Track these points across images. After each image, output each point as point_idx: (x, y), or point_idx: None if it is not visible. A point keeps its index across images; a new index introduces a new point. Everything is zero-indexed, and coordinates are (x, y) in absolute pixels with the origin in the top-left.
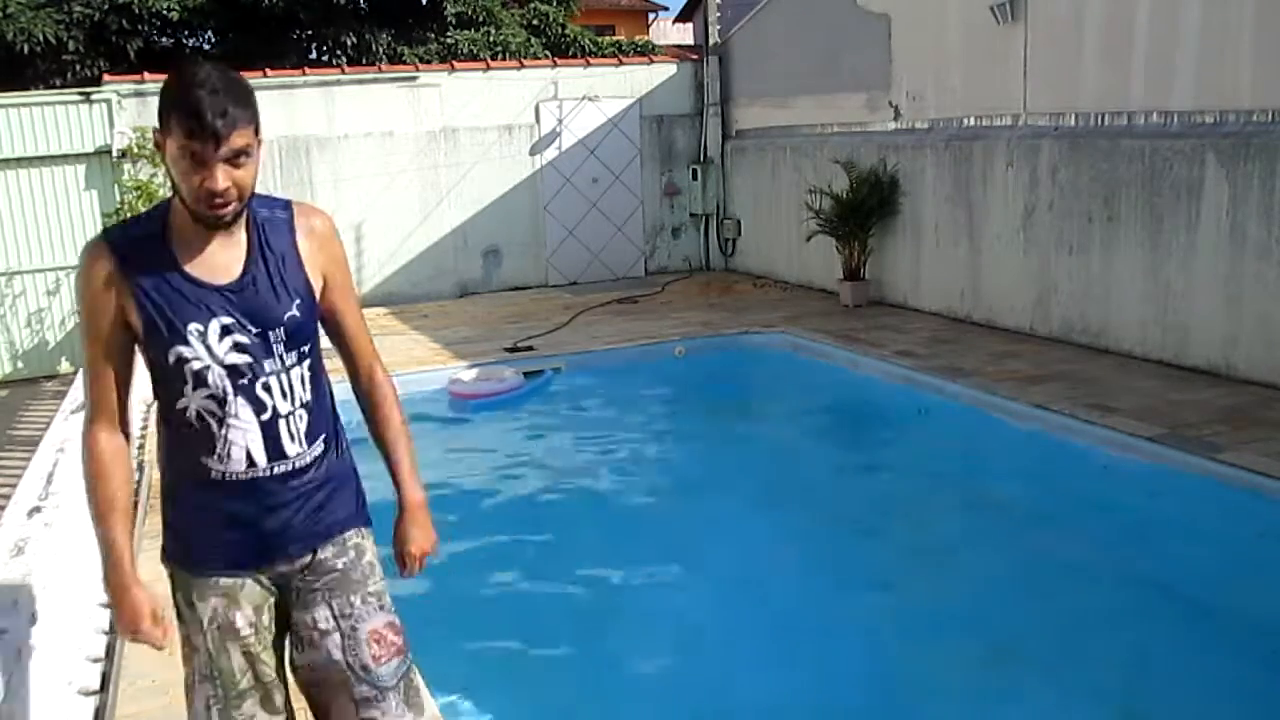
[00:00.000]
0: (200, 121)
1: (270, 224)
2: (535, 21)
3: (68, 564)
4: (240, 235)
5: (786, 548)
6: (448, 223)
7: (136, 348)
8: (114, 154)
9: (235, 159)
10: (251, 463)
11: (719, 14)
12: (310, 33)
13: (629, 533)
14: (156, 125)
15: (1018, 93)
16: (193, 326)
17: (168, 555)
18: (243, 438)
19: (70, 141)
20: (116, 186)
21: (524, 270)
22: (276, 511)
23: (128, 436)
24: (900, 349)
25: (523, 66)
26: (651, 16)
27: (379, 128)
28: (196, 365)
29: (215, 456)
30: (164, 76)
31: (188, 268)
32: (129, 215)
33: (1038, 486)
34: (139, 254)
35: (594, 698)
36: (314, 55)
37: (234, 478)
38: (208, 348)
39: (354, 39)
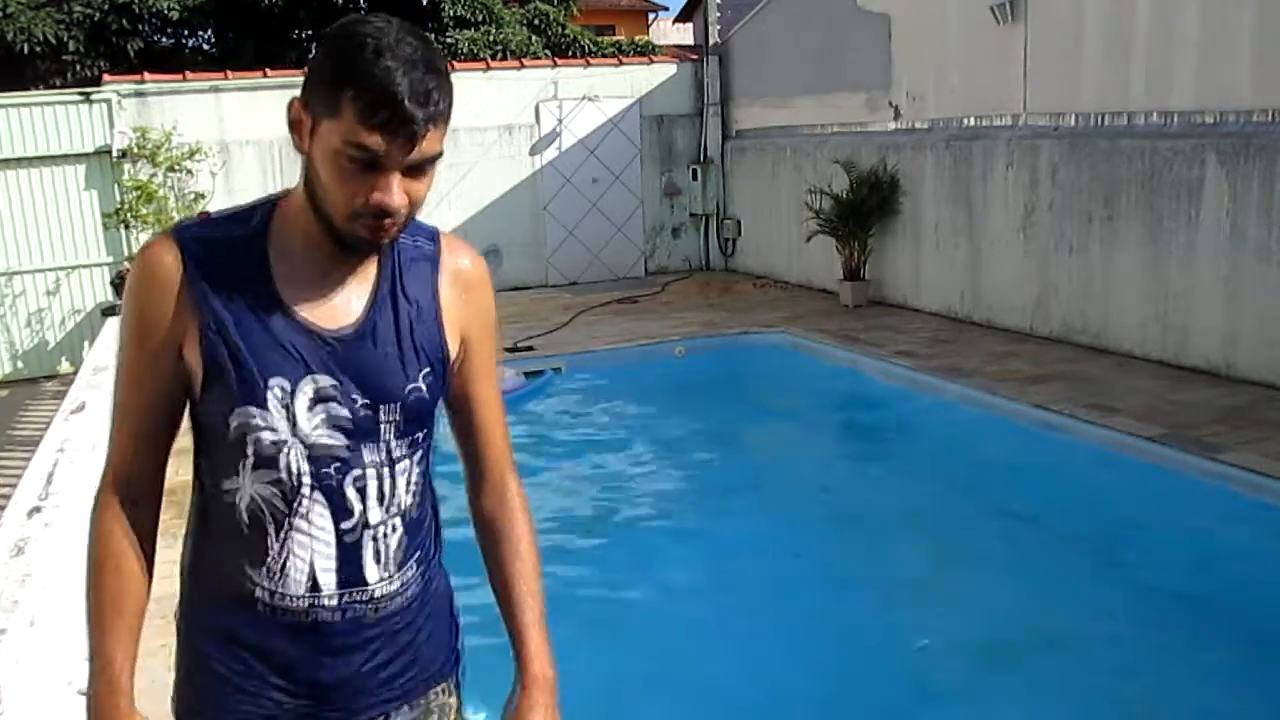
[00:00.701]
0: (396, 108)
1: (408, 258)
2: (535, 21)
3: (68, 564)
4: (369, 268)
5: (786, 547)
6: (447, 223)
7: (185, 401)
8: (114, 154)
9: (420, 168)
10: (315, 587)
11: (719, 14)
12: (310, 32)
13: (629, 533)
14: (301, 96)
15: (1018, 93)
16: (276, 383)
17: (176, 712)
18: (308, 551)
19: (70, 141)
20: (116, 186)
21: (524, 270)
22: (340, 659)
23: (155, 517)
24: (900, 349)
25: (523, 66)
26: (651, 16)
27: None
28: (268, 439)
29: (264, 570)
30: (164, 77)
31: (287, 298)
32: (129, 249)
33: (1038, 486)
34: (224, 263)
35: (598, 698)
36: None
37: (287, 605)
38: (291, 417)
39: None
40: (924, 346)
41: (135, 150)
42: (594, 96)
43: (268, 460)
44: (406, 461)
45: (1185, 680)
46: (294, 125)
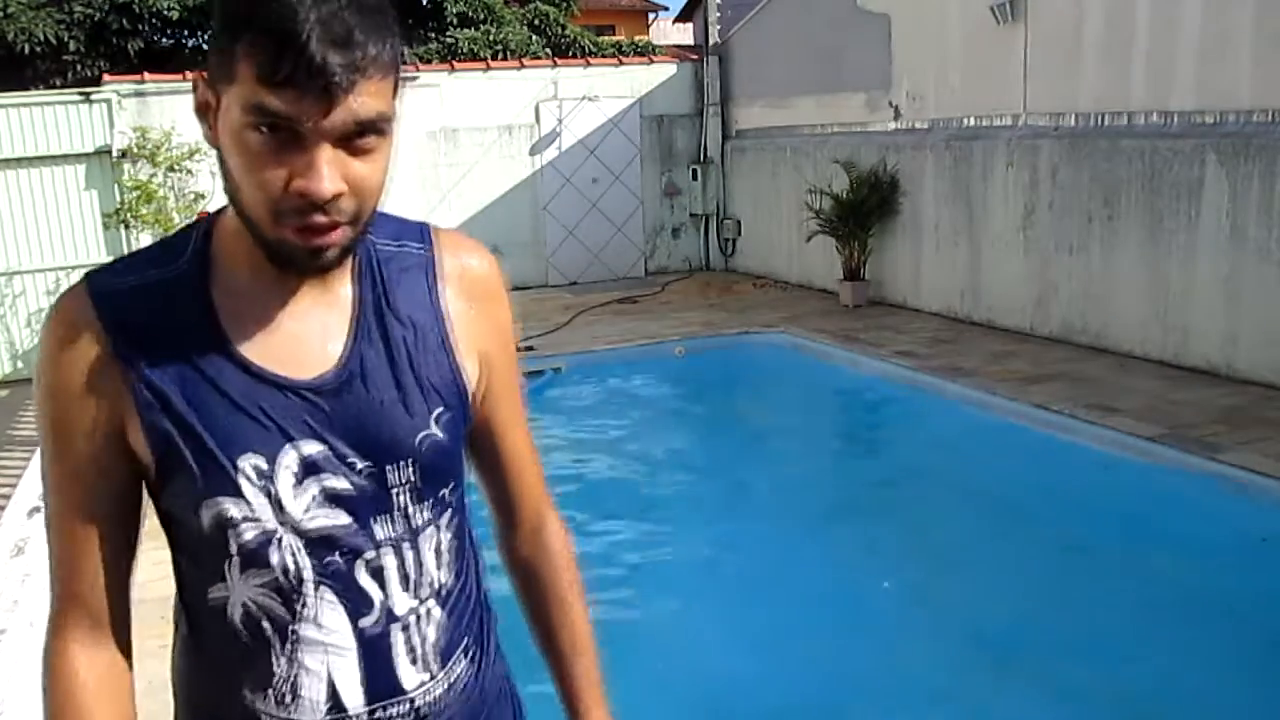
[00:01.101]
0: (300, 52)
1: (394, 267)
2: (536, 21)
3: None
4: (342, 287)
5: (786, 546)
6: (448, 223)
7: (143, 489)
8: (114, 154)
9: (357, 138)
10: (337, 706)
11: (719, 14)
12: None
13: (630, 534)
14: (205, 71)
15: (1018, 93)
16: (248, 462)
17: None
18: (323, 663)
19: (70, 141)
20: (116, 186)
21: (524, 270)
22: None
23: (128, 647)
24: (900, 349)
25: (523, 66)
26: (651, 16)
27: None
28: (250, 534)
29: (270, 695)
30: (164, 77)
31: (242, 347)
32: (129, 249)
33: (1037, 486)
34: (154, 317)
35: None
36: None
37: None
38: (275, 501)
39: None
40: (924, 346)
41: (135, 150)
42: (594, 96)
43: (256, 557)
44: (433, 529)
45: (1184, 680)
46: (201, 111)
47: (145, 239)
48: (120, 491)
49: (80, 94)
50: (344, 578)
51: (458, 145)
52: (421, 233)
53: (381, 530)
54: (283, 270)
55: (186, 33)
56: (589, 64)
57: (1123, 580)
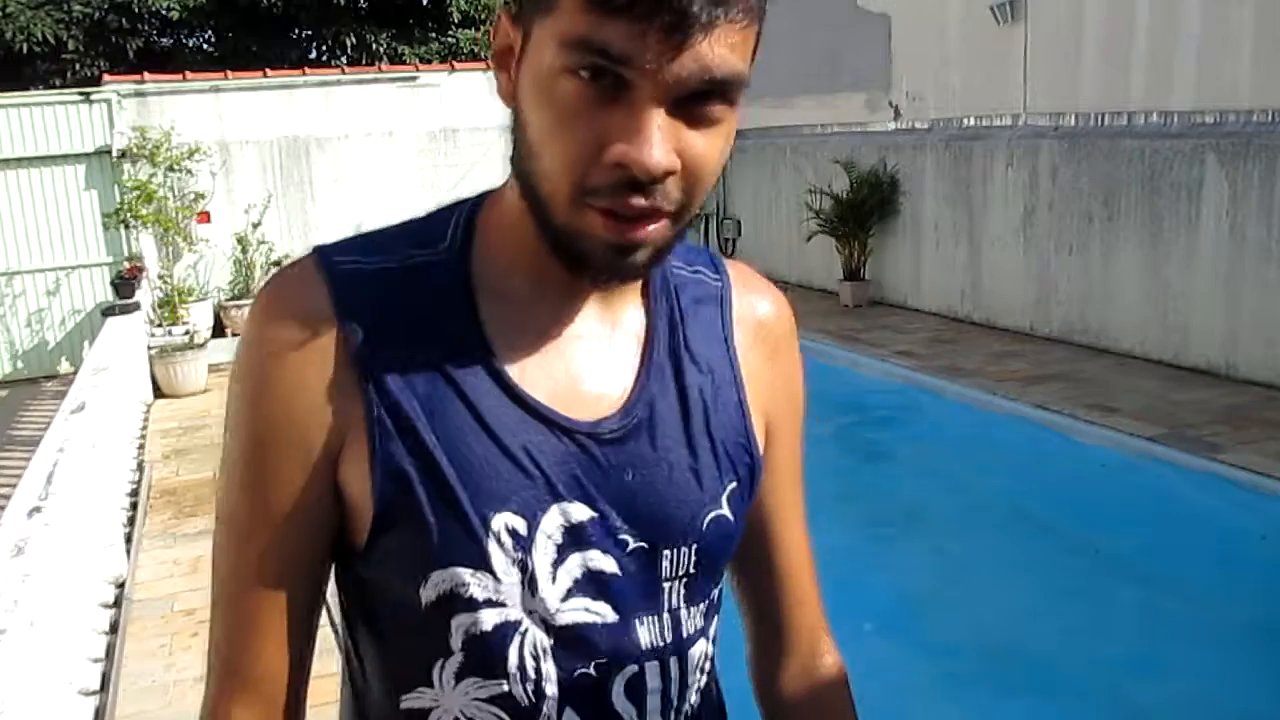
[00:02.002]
0: None
1: (689, 297)
2: None
3: (68, 564)
4: (630, 310)
5: None
6: None
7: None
8: (114, 154)
9: (702, 102)
10: None
11: None
12: (310, 32)
13: None
14: (508, 5)
15: (1018, 93)
16: (504, 522)
17: None
18: None
19: (70, 141)
20: (116, 186)
21: None
22: None
23: None
24: (900, 349)
25: None
26: None
27: (379, 128)
28: (489, 621)
29: None
30: (164, 77)
31: (510, 370)
32: (128, 249)
33: (1037, 486)
34: (402, 316)
35: None
36: (314, 55)
37: None
38: (529, 578)
39: (354, 38)
40: (924, 346)
41: (135, 150)
42: None
43: (487, 658)
44: (702, 641)
45: (1185, 679)
46: (499, 58)
47: (145, 239)
48: (320, 547)
49: (80, 94)
50: (595, 698)
51: (458, 145)
52: (712, 261)
53: (647, 635)
54: (573, 270)
55: (186, 32)
56: None
57: (1122, 580)
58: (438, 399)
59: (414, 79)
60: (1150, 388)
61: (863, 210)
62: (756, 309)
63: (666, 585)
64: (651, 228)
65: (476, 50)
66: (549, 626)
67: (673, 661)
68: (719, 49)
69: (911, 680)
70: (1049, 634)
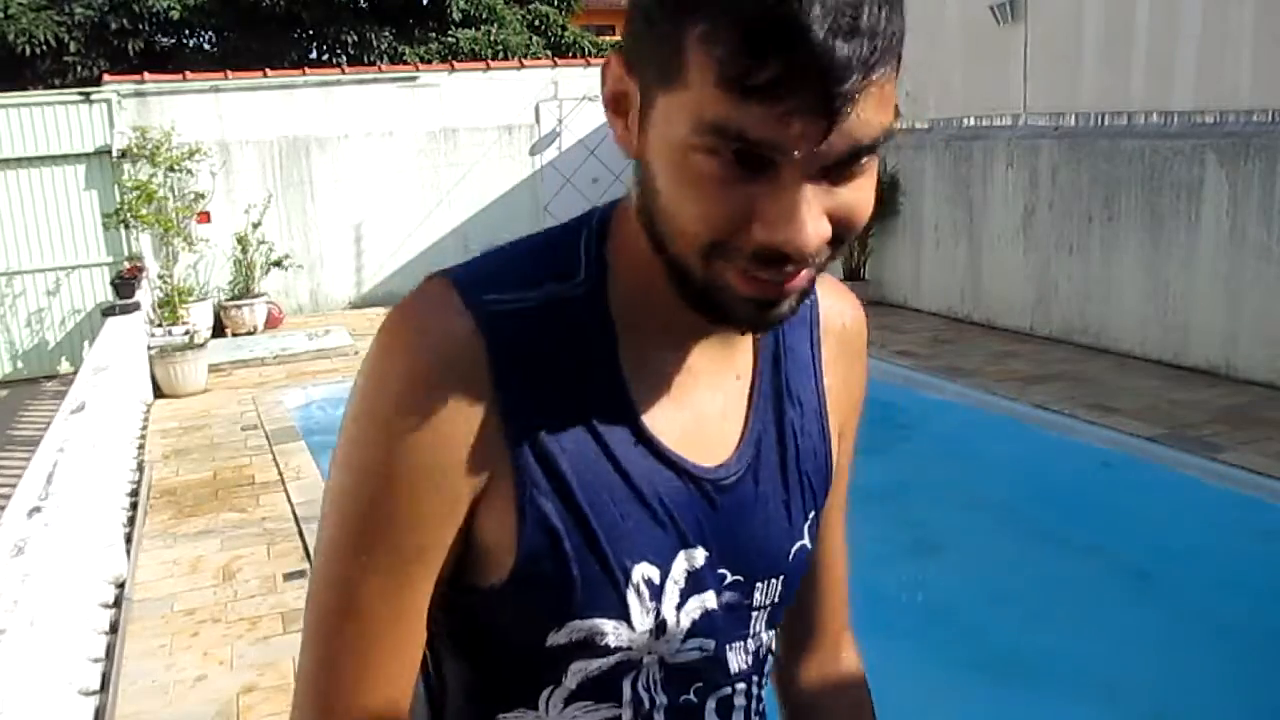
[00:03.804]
0: (796, 47)
1: (790, 324)
2: (536, 21)
3: (68, 564)
4: (741, 345)
5: None
6: (448, 223)
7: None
8: (114, 154)
9: (852, 164)
10: None
11: None
12: (311, 32)
13: None
14: (621, 48)
15: (1018, 93)
16: (641, 572)
17: None
18: None
19: (70, 141)
20: (116, 187)
21: None
22: None
23: None
24: (900, 349)
25: (523, 66)
26: None
27: (379, 128)
28: (614, 660)
29: None
30: (164, 77)
31: (646, 416)
32: (128, 249)
33: (1037, 486)
34: (552, 362)
35: None
36: (315, 54)
37: None
38: (658, 624)
39: (354, 38)
40: (924, 346)
41: (135, 150)
42: (594, 96)
43: (602, 689)
44: (770, 659)
45: (1184, 679)
46: (613, 104)
47: (145, 239)
48: (434, 586)
49: (80, 94)
50: (684, 714)
51: (458, 145)
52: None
53: (736, 661)
54: (714, 322)
55: (187, 32)
56: (589, 64)
57: (1122, 579)
58: (582, 448)
59: (414, 79)
60: (1150, 388)
61: None
62: (843, 319)
63: (755, 614)
64: (797, 280)
65: (476, 50)
66: (665, 664)
67: (755, 683)
68: (866, 114)
69: (911, 679)
70: (1047, 633)
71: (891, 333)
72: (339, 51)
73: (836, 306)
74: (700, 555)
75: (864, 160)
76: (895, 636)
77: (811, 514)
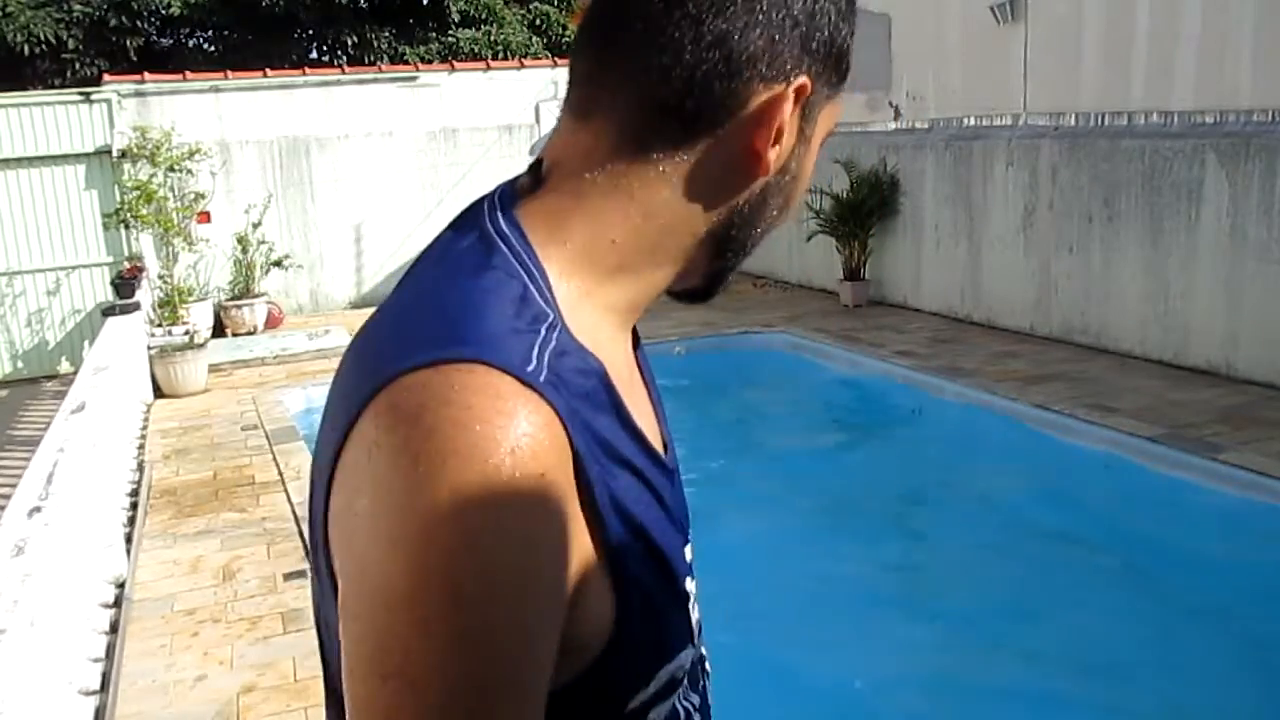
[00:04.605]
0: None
1: None
2: (536, 21)
3: (68, 564)
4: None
5: (782, 547)
6: (448, 223)
7: None
8: (114, 154)
9: None
10: None
11: None
12: (311, 32)
13: None
14: (792, 70)
15: (1018, 93)
16: (688, 584)
17: None
18: None
19: (70, 141)
20: (116, 186)
21: None
22: None
23: None
24: (900, 349)
25: (523, 66)
26: None
27: (379, 128)
28: (679, 688)
29: None
30: (164, 76)
31: (636, 426)
32: (129, 249)
33: (1037, 486)
34: (593, 417)
35: None
36: (315, 54)
37: None
38: (698, 622)
39: (355, 38)
40: (924, 346)
41: (135, 150)
42: None
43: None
44: None
45: (1184, 679)
46: (778, 138)
47: (145, 239)
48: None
49: (80, 94)
50: (704, 704)
51: (457, 145)
52: None
53: (698, 634)
54: (698, 296)
55: (187, 32)
56: None
57: (1121, 579)
58: (636, 488)
59: (414, 79)
60: (1150, 388)
61: (863, 210)
62: None
63: (692, 569)
64: None
65: (476, 50)
66: (694, 667)
67: (701, 643)
68: None
69: (910, 679)
70: (1046, 633)
71: (891, 333)
72: (339, 51)
73: None
74: (689, 546)
75: None
76: (894, 635)
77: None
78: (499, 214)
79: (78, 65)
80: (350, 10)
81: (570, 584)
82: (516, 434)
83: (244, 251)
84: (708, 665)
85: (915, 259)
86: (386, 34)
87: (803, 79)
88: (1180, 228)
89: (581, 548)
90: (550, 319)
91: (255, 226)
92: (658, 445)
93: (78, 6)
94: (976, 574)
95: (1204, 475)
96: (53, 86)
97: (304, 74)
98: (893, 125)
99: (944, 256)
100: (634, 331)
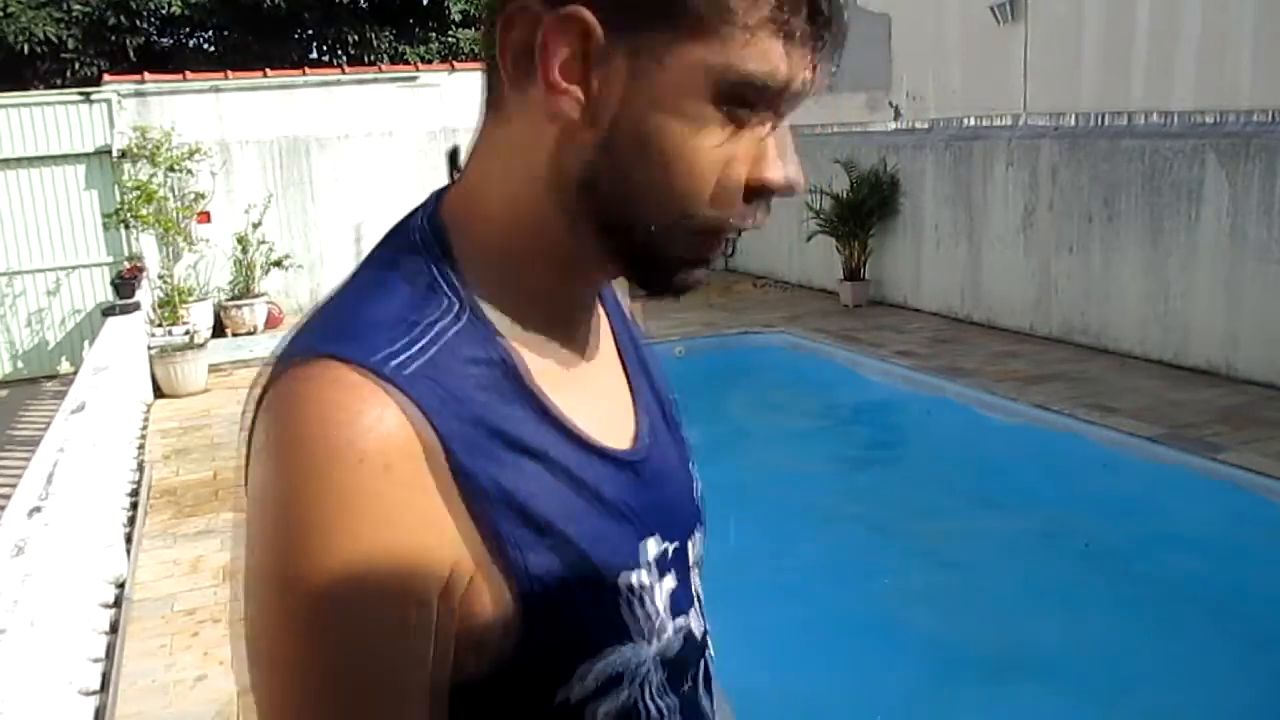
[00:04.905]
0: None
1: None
2: None
3: (68, 564)
4: (604, 322)
5: (783, 547)
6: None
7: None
8: (114, 154)
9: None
10: None
11: None
12: (310, 32)
13: None
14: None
15: (1018, 93)
16: (628, 580)
17: None
18: None
19: (70, 141)
20: (116, 186)
21: None
22: None
23: None
24: (900, 349)
25: None
26: None
27: (379, 128)
28: (627, 689)
29: None
30: (164, 76)
31: (570, 420)
32: (128, 249)
33: (1037, 486)
34: (478, 406)
35: None
36: (315, 54)
37: None
38: (656, 627)
39: (355, 37)
40: (924, 346)
41: (135, 150)
42: None
43: (621, 715)
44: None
45: (1183, 679)
46: (568, 67)
47: (145, 239)
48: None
49: (80, 94)
50: (690, 703)
51: (458, 145)
52: None
53: (698, 627)
54: (652, 288)
55: (187, 32)
56: None
57: (1120, 578)
58: (543, 479)
59: (414, 79)
60: (1150, 388)
61: (863, 210)
62: None
63: (693, 572)
64: (720, 245)
65: (476, 50)
66: (665, 662)
67: (709, 642)
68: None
69: (909, 677)
70: (1045, 633)
71: (891, 333)
72: (339, 51)
73: None
74: (655, 540)
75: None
76: (893, 634)
77: (691, 456)
78: (424, 209)
79: (78, 65)
80: (350, 10)
81: (442, 575)
82: (360, 427)
83: (244, 251)
84: (708, 668)
85: (915, 259)
86: (386, 34)
87: (576, 9)
88: (1180, 228)
89: (453, 538)
90: (444, 310)
91: (255, 226)
92: (603, 435)
93: (77, 6)
94: (975, 573)
95: (1204, 475)
96: (53, 86)
97: (304, 74)
98: (893, 125)
99: (944, 256)
100: (625, 319)
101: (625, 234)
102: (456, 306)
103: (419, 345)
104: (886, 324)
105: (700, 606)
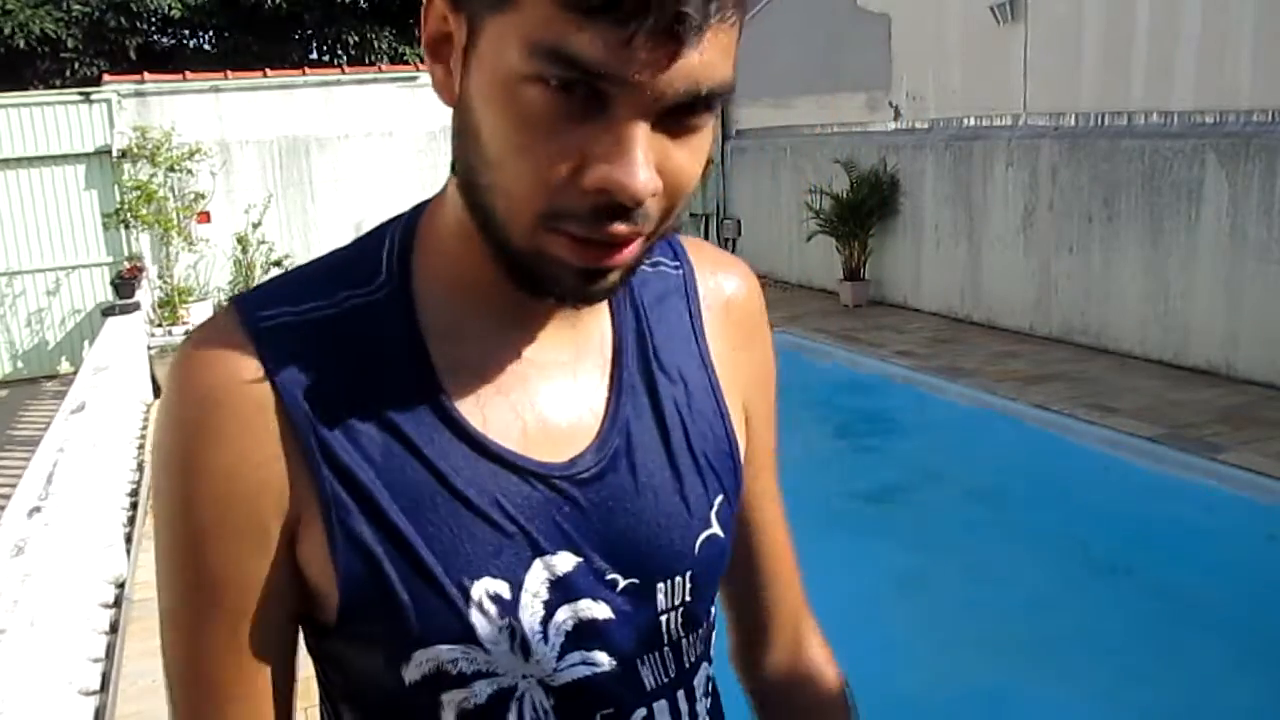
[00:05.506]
0: None
1: (651, 294)
2: None
3: (68, 564)
4: (594, 323)
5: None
6: None
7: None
8: (114, 154)
9: (687, 115)
10: None
11: None
12: (310, 32)
13: None
14: None
15: (1018, 93)
16: (485, 588)
17: None
18: None
19: (70, 141)
20: (116, 186)
21: None
22: None
23: None
24: (900, 349)
25: None
26: None
27: (379, 128)
28: (485, 691)
29: None
30: (164, 76)
31: (470, 416)
32: (128, 249)
33: (1036, 486)
34: (344, 372)
35: None
36: (315, 54)
37: None
38: (520, 643)
39: (355, 38)
40: (924, 346)
41: (135, 150)
42: None
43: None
44: (704, 665)
45: (1183, 679)
46: (434, 46)
47: (145, 239)
48: (284, 638)
49: (80, 94)
50: None
51: None
52: (669, 245)
53: (651, 676)
54: (534, 295)
55: (187, 32)
56: None
57: (1119, 579)
58: (395, 463)
59: (414, 79)
60: (1150, 388)
61: (863, 210)
62: (725, 289)
63: (664, 618)
64: (625, 251)
65: None
66: (548, 687)
67: (680, 695)
68: (709, 55)
69: (909, 677)
70: (1045, 633)
71: (891, 333)
72: (339, 51)
73: (718, 276)
74: (566, 560)
75: (701, 114)
76: (893, 633)
77: (719, 500)
78: (427, 200)
79: (77, 65)
80: (350, 10)
81: (281, 508)
82: (203, 369)
83: (244, 251)
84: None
85: (915, 259)
86: (386, 34)
87: None
88: (1180, 228)
89: (284, 481)
90: (371, 287)
91: (255, 226)
92: (528, 442)
93: (77, 6)
94: (975, 573)
95: (1204, 475)
96: (52, 86)
97: (304, 74)
98: (893, 125)
99: (944, 256)
100: (639, 307)
101: (489, 230)
102: (384, 280)
103: (309, 305)
104: (886, 324)
105: (676, 656)
